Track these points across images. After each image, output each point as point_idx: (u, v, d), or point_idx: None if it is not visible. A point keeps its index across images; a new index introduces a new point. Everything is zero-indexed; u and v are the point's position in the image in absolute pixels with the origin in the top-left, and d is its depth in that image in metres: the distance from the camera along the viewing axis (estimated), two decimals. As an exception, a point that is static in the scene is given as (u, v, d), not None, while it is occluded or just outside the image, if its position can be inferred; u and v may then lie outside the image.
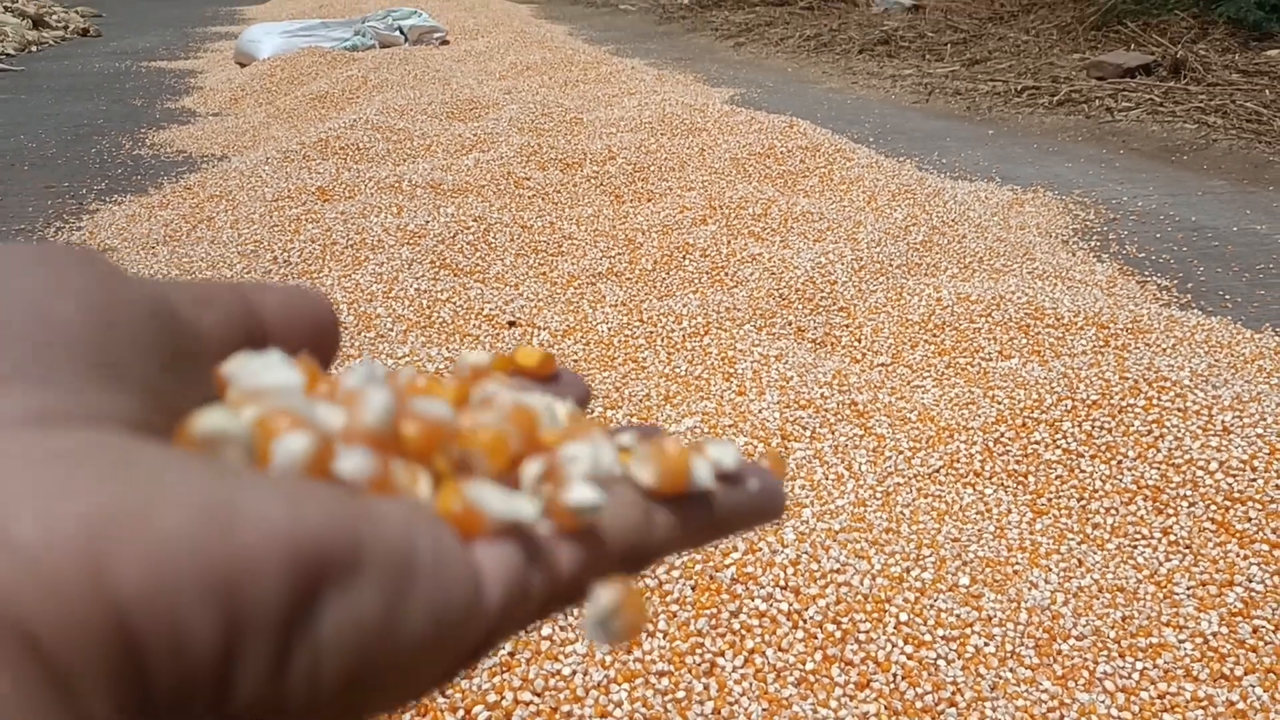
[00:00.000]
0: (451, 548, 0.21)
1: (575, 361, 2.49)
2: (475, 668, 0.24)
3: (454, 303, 2.76)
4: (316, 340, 0.27)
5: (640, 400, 2.32)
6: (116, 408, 0.20)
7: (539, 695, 1.32)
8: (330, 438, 0.21)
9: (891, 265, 3.07)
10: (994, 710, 1.43)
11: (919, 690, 1.44)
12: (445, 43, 7.57)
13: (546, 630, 1.42)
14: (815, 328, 2.76)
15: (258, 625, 0.17)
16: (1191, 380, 2.11)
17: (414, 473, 0.22)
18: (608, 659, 1.38)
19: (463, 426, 0.24)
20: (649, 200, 3.79)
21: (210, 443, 0.20)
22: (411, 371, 0.26)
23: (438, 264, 3.02)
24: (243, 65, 6.79)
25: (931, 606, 1.58)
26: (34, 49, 7.96)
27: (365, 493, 0.21)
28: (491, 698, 1.30)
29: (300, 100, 5.65)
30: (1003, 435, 2.13)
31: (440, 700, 1.28)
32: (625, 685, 1.35)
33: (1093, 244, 3.64)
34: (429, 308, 2.73)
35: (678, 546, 0.26)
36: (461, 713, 1.27)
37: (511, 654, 1.37)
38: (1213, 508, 1.82)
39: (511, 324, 2.69)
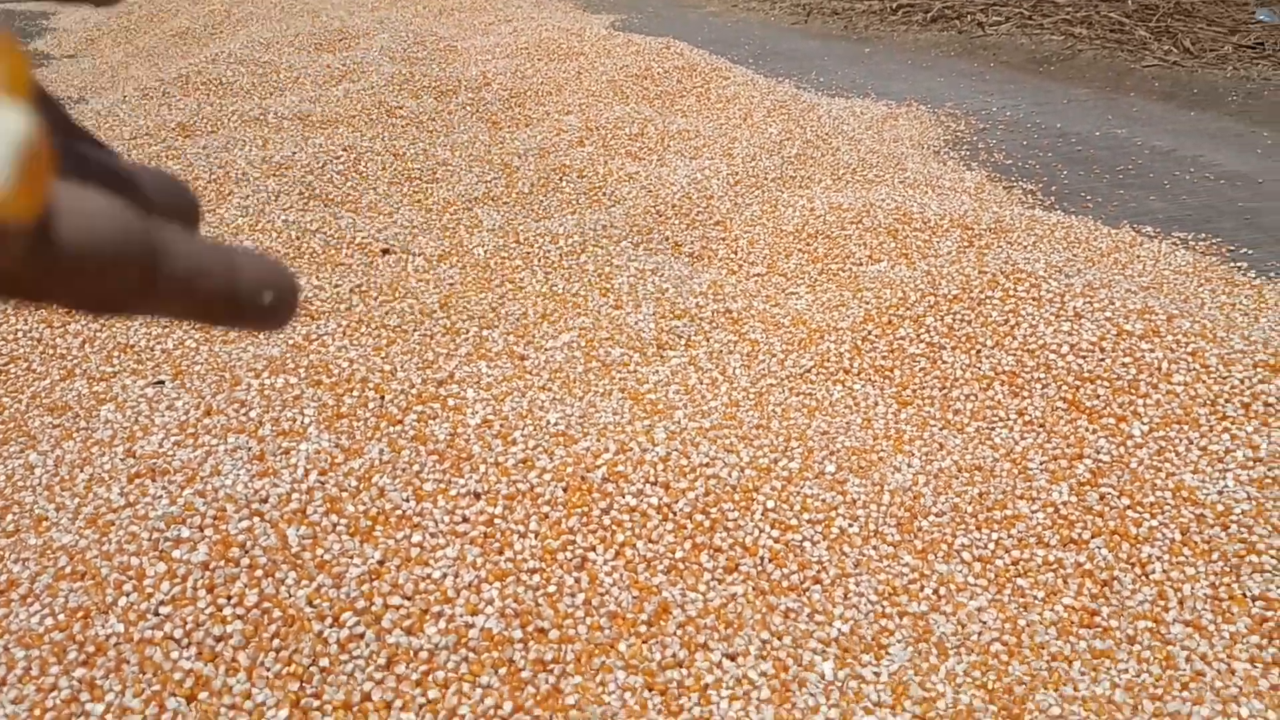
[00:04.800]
0: None
1: (452, 285, 2.46)
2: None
3: (324, 233, 2.69)
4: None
5: (517, 319, 2.31)
6: None
7: (409, 599, 1.32)
8: None
9: (766, 179, 3.09)
10: (857, 585, 1.49)
11: (785, 570, 1.48)
12: (314, -25, 7.26)
13: (416, 537, 1.42)
14: (692, 242, 2.78)
15: None
16: (1046, 271, 2.19)
17: None
18: (479, 560, 1.39)
19: None
20: (526, 125, 3.73)
21: None
22: None
23: (307, 195, 2.93)
24: (98, 5, 6.42)
25: (798, 493, 1.63)
26: None
27: None
28: (361, 604, 1.30)
29: (161, 38, 5.39)
30: (870, 333, 2.18)
31: (307, 609, 1.28)
32: (496, 584, 1.36)
33: (963, 153, 3.72)
34: (298, 239, 2.66)
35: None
36: (330, 620, 1.27)
37: (381, 563, 1.36)
38: (1064, 388, 1.91)
39: (385, 251, 2.64)
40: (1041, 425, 1.86)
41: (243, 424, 1.67)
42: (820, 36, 5.68)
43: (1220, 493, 1.61)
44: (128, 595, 1.29)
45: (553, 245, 2.64)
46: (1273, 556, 1.47)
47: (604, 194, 3.03)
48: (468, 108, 3.82)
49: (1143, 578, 1.52)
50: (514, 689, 1.22)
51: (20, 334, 2.17)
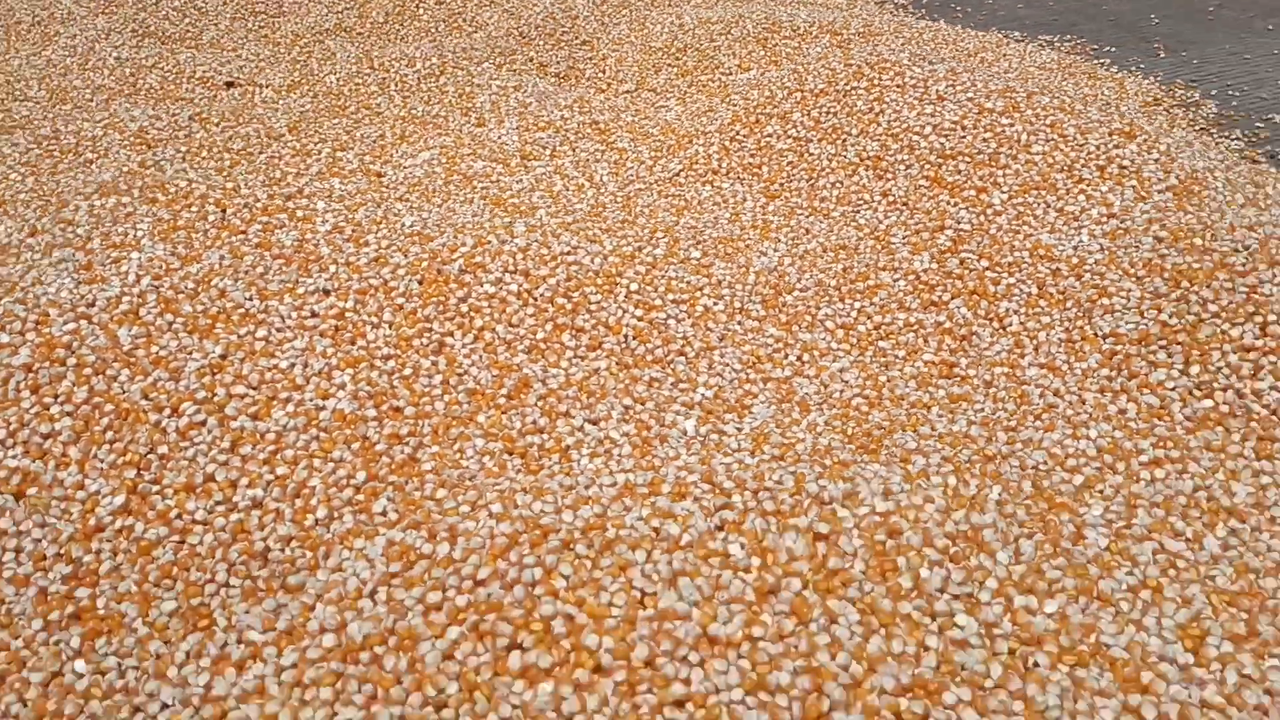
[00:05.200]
0: None
1: (303, 112, 2.33)
2: None
3: (161, 69, 2.51)
4: None
5: (374, 140, 2.21)
6: None
7: (254, 388, 1.26)
8: None
9: (632, -5, 2.99)
10: (721, 356, 1.48)
11: (649, 346, 1.46)
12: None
13: (261, 332, 1.35)
14: (558, 62, 2.68)
15: None
16: (910, 60, 2.16)
17: None
18: (329, 350, 1.34)
19: None
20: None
21: None
22: None
23: (140, 33, 2.73)
24: None
25: (663, 277, 1.60)
26: None
27: None
28: (201, 394, 1.24)
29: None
30: (738, 134, 2.14)
31: (143, 402, 1.21)
32: (348, 370, 1.31)
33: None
34: (132, 75, 2.48)
35: None
36: (168, 410, 1.21)
37: (223, 357, 1.30)
38: (927, 167, 1.91)
39: (229, 85, 2.48)
40: (905, 203, 1.86)
41: (69, 240, 1.56)
42: None
43: (1075, 247, 1.64)
44: (-56, 403, 1.20)
45: (409, 69, 2.52)
46: (1123, 299, 1.51)
47: (463, 19, 2.89)
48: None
49: (1000, 330, 1.55)
50: (368, 460, 1.19)
51: None
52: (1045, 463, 1.25)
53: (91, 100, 2.37)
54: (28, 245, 1.56)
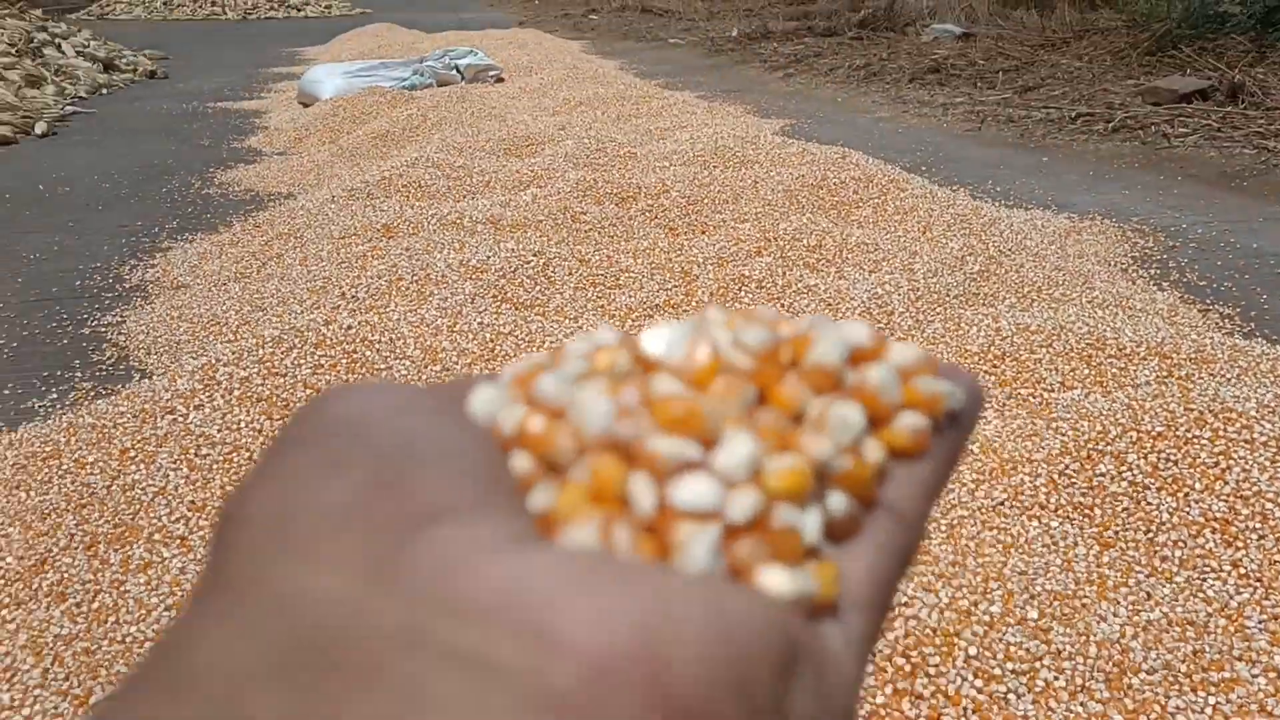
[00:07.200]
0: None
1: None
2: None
3: (516, 336, 2.82)
4: None
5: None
6: (528, 523, 0.22)
7: None
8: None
9: (949, 295, 3.08)
10: (1066, 744, 1.44)
11: (990, 723, 1.45)
12: (500, 80, 7.73)
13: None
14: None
15: None
16: (1258, 411, 2.10)
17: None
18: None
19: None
20: (703, 233, 3.84)
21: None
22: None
23: (499, 298, 3.09)
24: (305, 105, 6.98)
25: (1000, 640, 1.59)
26: (104, 91, 8.24)
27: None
28: None
29: (362, 139, 5.80)
30: (1067, 468, 2.13)
31: None
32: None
33: (1152, 272, 3.62)
34: (492, 341, 2.80)
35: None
36: None
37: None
38: (1284, 541, 1.81)
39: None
40: (1259, 579, 1.77)
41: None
42: (996, 145, 5.65)
43: None
44: None
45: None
46: None
47: (783, 305, 3.07)
48: (647, 214, 3.96)
49: (1385, 762, 1.42)
50: None
51: None
52: None
53: (457, 363, 2.69)
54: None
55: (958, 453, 0.26)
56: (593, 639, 0.17)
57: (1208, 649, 1.62)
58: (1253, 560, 1.80)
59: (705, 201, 4.06)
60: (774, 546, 0.21)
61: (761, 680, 0.18)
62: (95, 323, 3.25)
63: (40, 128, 6.48)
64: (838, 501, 0.23)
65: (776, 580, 0.21)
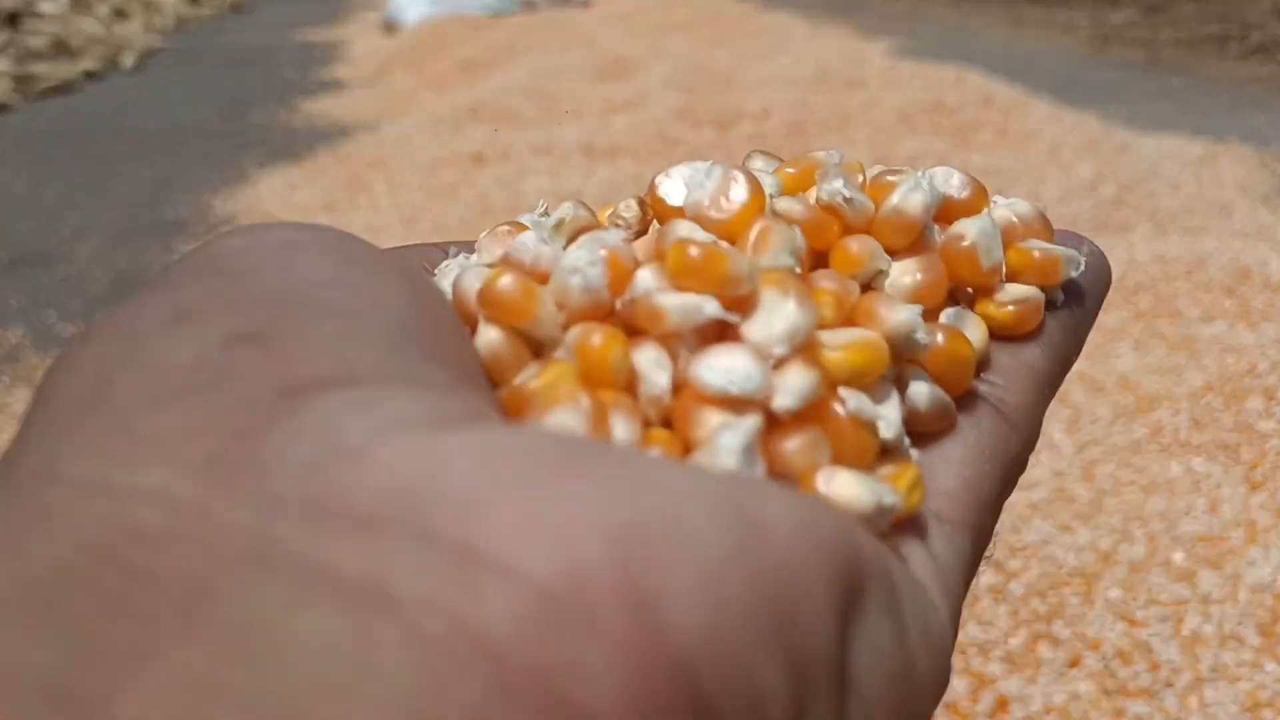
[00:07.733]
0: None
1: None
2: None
3: (614, 262, 2.73)
4: None
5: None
6: (480, 405, 0.15)
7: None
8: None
9: (1079, 223, 2.88)
10: (1215, 692, 1.31)
11: (1135, 670, 1.32)
12: (587, 5, 7.55)
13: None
14: (992, 289, 2.62)
15: (819, 676, 0.13)
16: None
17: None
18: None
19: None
20: (808, 159, 3.68)
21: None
22: None
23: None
24: (390, 33, 6.91)
25: (1143, 583, 1.46)
26: (189, 24, 8.29)
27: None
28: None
29: (449, 66, 5.72)
30: (1211, 404, 1.96)
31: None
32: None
33: (1297, 201, 3.34)
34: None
35: None
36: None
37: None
38: None
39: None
40: None
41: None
42: (1122, 67, 5.32)
43: None
44: None
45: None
46: None
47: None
48: (750, 139, 3.80)
49: None
50: None
51: None
52: None
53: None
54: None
55: (1079, 336, 0.22)
56: (541, 557, 0.11)
57: (1381, 602, 1.46)
58: None
59: (811, 125, 3.89)
60: (836, 444, 0.16)
61: (809, 619, 0.13)
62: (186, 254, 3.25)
63: (129, 60, 6.53)
64: (922, 390, 0.18)
65: (841, 486, 0.16)
